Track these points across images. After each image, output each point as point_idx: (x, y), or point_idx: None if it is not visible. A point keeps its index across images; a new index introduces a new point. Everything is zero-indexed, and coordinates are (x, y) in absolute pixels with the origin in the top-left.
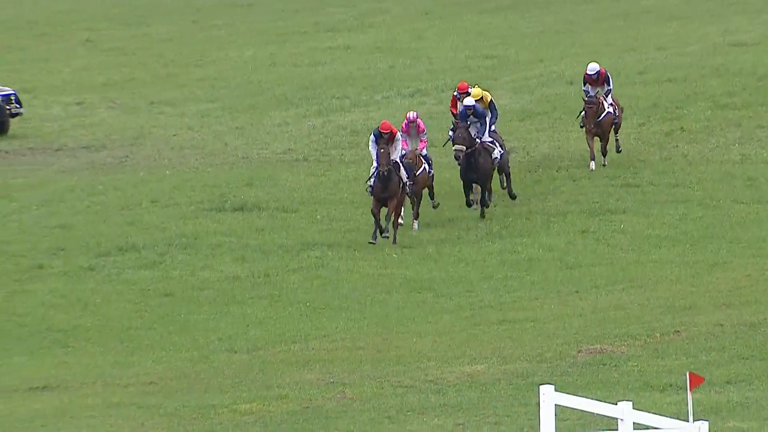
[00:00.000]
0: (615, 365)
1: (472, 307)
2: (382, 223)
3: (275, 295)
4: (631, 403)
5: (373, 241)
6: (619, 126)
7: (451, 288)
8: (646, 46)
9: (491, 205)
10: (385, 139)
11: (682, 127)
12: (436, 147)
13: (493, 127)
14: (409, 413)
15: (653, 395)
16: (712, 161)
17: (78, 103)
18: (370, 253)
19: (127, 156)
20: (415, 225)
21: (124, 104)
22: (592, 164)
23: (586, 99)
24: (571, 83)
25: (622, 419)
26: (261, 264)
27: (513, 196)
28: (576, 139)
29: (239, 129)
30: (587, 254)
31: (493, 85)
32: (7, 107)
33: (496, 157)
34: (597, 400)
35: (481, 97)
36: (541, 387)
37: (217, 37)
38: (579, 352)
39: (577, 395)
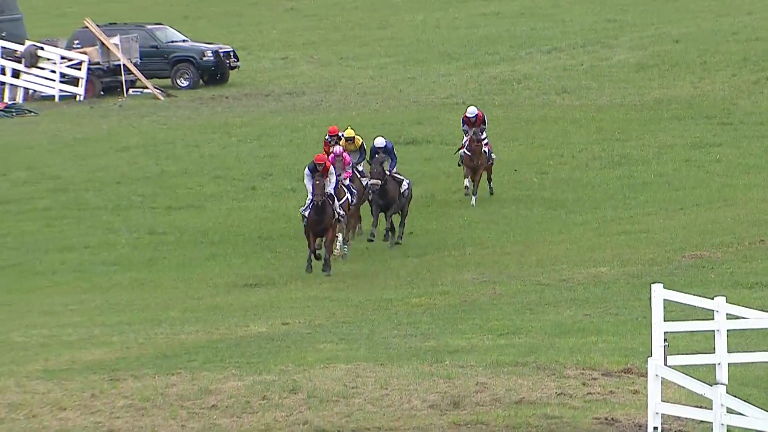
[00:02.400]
0: (711, 268)
1: (596, 221)
2: (320, 252)
3: (440, 211)
4: (724, 298)
5: (308, 272)
6: (492, 164)
7: (580, 206)
8: (738, 12)
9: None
10: (319, 171)
11: (767, 77)
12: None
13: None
14: (546, 306)
15: (742, 292)
16: None
17: (283, 58)
18: (515, 177)
19: (322, 100)
20: (345, 249)
21: (319, 59)
22: (474, 199)
23: (471, 136)
24: (677, 41)
25: (717, 311)
26: (429, 186)
27: (400, 236)
28: (681, 86)
29: (411, 78)
30: (690, 179)
31: (613, 43)
32: (227, 62)
33: (405, 189)
34: (697, 295)
35: (353, 138)
36: (652, 285)
37: (394, 5)
38: (683, 257)
39: (681, 292)
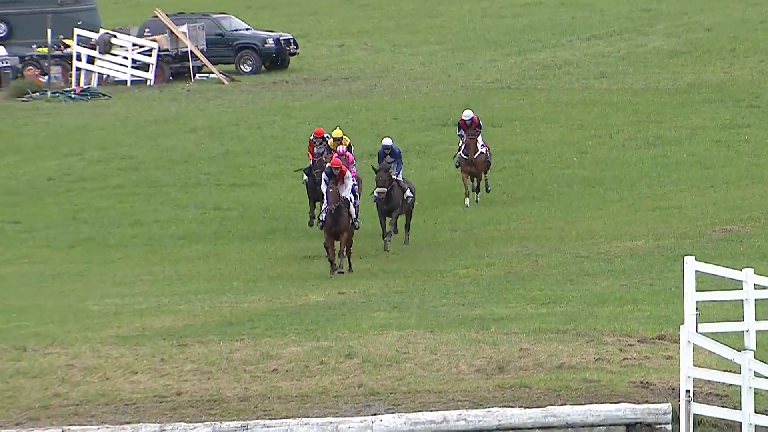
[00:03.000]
0: (740, 241)
1: (632, 198)
2: (336, 260)
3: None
4: (752, 269)
5: (331, 275)
6: (489, 166)
7: (617, 184)
8: (766, 2)
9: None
10: (335, 176)
11: None
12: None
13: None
14: (585, 277)
15: None
16: None
17: (339, 46)
18: (557, 157)
19: (375, 85)
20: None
21: (373, 46)
22: (467, 201)
23: (467, 136)
24: (708, 30)
25: (745, 281)
26: None
27: (406, 240)
28: (712, 71)
29: (459, 64)
30: (720, 158)
31: (648, 31)
32: (287, 49)
33: (409, 196)
34: (726, 267)
35: (341, 138)
36: (684, 257)
37: None
38: (713, 231)
39: (711, 263)
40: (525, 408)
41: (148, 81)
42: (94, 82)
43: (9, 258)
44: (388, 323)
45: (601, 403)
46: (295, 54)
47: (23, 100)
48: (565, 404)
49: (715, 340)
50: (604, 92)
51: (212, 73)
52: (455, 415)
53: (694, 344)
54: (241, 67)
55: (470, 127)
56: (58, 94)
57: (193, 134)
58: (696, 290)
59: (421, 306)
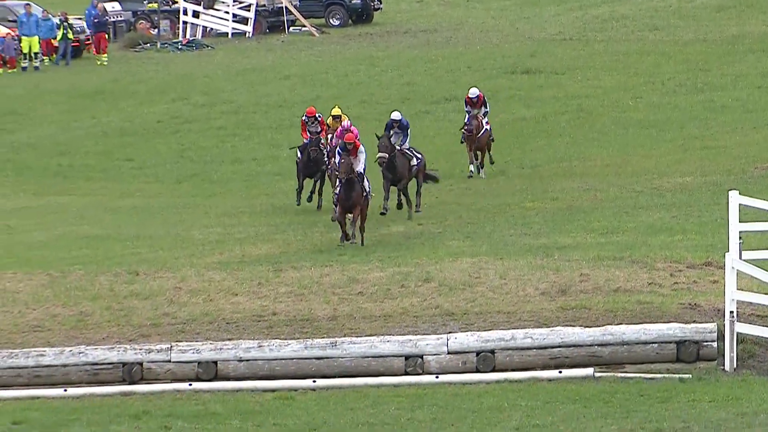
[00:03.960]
0: None
1: (682, 138)
2: (348, 230)
3: (549, 129)
4: None
5: (341, 244)
6: (493, 141)
7: (668, 125)
8: None
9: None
10: (348, 150)
11: None
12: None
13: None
14: (639, 209)
15: None
16: None
17: (418, 1)
18: (614, 102)
19: (451, 37)
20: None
21: (449, 2)
22: (471, 167)
23: (472, 113)
24: None
25: None
26: (541, 109)
27: (417, 204)
28: (755, 24)
29: (526, 18)
30: (761, 102)
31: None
32: (372, 4)
33: (414, 165)
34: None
35: (340, 116)
36: (729, 192)
37: None
38: (755, 168)
39: (753, 197)
40: (585, 327)
41: (247, 33)
42: (198, 35)
43: (124, 192)
44: (461, 251)
45: (654, 322)
46: (378, 9)
47: (136, 51)
48: (621, 324)
49: (757, 267)
50: (657, 43)
51: (304, 26)
52: (522, 334)
53: (737, 270)
54: (330, 20)
55: (476, 105)
56: (166, 45)
57: (287, 81)
58: (739, 221)
59: (492, 236)
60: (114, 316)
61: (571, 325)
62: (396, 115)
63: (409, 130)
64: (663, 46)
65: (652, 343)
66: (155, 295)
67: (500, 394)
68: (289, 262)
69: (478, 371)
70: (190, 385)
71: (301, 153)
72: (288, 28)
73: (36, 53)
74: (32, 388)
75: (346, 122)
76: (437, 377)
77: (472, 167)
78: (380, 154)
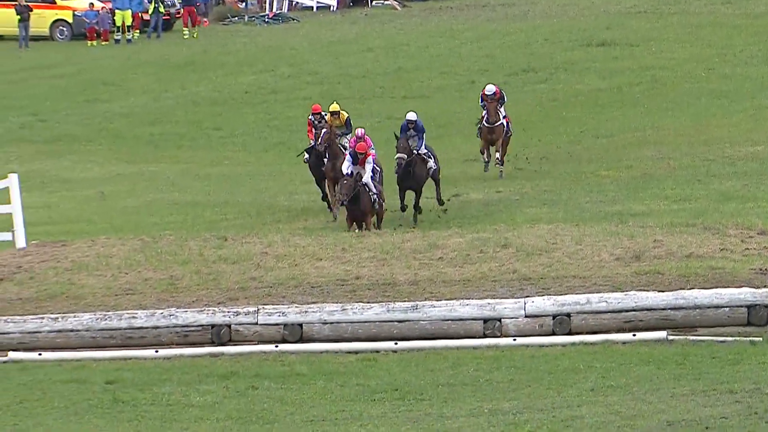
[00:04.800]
0: None
1: (753, 108)
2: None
3: (623, 100)
4: None
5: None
6: (510, 137)
7: (740, 95)
8: None
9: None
10: (358, 158)
11: None
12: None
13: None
14: (711, 177)
15: None
16: None
17: None
18: (687, 73)
19: (528, 10)
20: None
21: None
22: (484, 158)
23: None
24: None
25: None
26: (615, 81)
27: (441, 202)
28: None
29: None
30: None
31: None
32: None
33: (431, 167)
34: None
35: (338, 112)
36: None
37: None
38: None
39: None
40: (658, 292)
41: (332, 7)
42: (284, 8)
43: (212, 160)
44: (539, 217)
45: (725, 287)
46: None
47: (224, 24)
48: (694, 288)
49: None
50: (729, 16)
51: (387, 0)
52: (597, 298)
53: None
54: None
55: (493, 101)
56: (254, 18)
57: (370, 53)
58: None
59: (568, 203)
60: (203, 280)
61: (644, 290)
62: (411, 116)
63: (424, 133)
64: (735, 19)
65: (724, 307)
66: (243, 260)
67: (576, 356)
68: (372, 229)
69: (554, 334)
70: (277, 346)
71: (308, 154)
72: (371, 2)
73: (129, 26)
74: (125, 349)
75: (359, 131)
76: (515, 340)
77: (484, 158)
78: (399, 155)
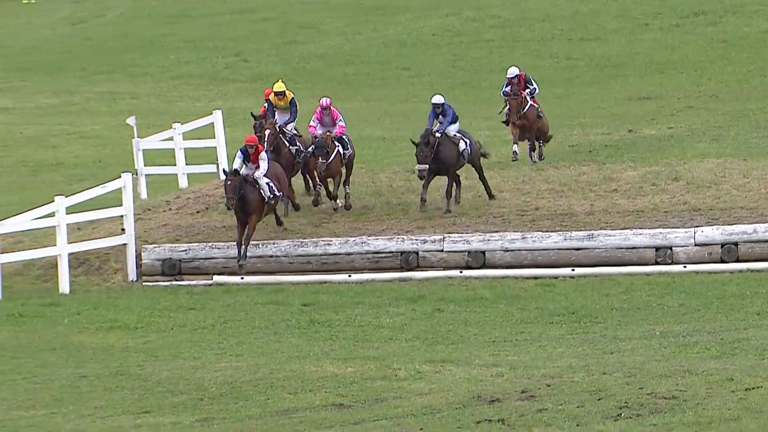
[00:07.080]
0: None
1: None
2: (241, 248)
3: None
4: None
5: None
6: (546, 131)
7: None
8: None
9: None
10: (251, 155)
11: None
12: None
13: (457, 125)
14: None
15: None
16: None
17: None
18: (735, 58)
19: None
20: (338, 203)
21: None
22: (515, 147)
23: (510, 94)
24: None
25: None
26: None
27: (491, 195)
28: None
29: None
30: None
31: None
32: None
33: (464, 149)
34: None
35: (284, 93)
36: None
37: None
38: None
39: None
40: None
41: None
42: None
43: (401, 98)
44: (708, 152)
45: None
46: None
47: None
48: None
49: None
50: None
51: None
52: (763, 228)
53: None
54: None
55: (516, 85)
56: None
57: None
58: None
59: (736, 138)
60: (392, 210)
61: None
62: (438, 99)
63: (454, 114)
64: None
65: None
66: (428, 193)
67: (742, 282)
68: (551, 163)
69: (722, 261)
70: (461, 272)
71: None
72: None
73: None
74: (320, 274)
75: (325, 100)
76: (685, 267)
77: (516, 147)
78: (419, 166)
